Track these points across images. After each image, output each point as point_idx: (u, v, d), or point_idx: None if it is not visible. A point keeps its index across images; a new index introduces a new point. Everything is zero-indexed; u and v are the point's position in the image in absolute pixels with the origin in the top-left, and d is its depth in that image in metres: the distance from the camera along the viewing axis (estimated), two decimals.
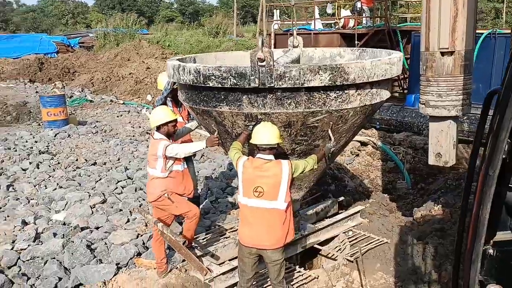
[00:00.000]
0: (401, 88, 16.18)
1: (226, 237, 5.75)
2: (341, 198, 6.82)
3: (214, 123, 4.66)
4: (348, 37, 15.94)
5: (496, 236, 2.08)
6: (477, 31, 8.34)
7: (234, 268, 4.87)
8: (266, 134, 4.09)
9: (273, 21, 18.73)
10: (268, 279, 4.58)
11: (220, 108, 4.34)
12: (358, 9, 16.75)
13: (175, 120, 5.06)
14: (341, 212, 6.40)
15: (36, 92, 19.09)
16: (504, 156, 1.88)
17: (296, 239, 5.46)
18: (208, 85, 4.18)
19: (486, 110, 1.99)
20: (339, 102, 4.20)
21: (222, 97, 4.28)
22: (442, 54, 4.67)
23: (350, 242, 5.69)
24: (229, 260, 5.19)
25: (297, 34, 6.24)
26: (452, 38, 4.57)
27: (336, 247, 5.70)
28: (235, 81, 4.03)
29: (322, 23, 18.68)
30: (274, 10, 19.57)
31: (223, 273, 4.79)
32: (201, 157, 9.81)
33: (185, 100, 4.88)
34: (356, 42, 15.19)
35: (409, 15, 21.17)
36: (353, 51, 5.99)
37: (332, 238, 5.87)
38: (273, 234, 4.07)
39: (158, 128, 4.99)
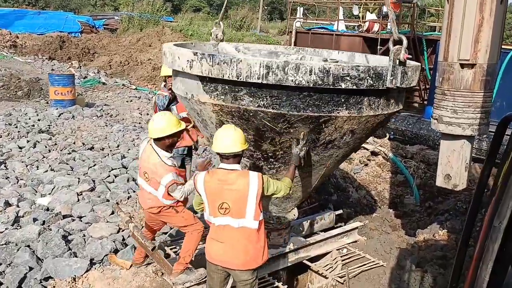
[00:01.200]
0: (421, 99, 15.58)
1: None
2: (339, 211, 6.36)
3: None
4: (371, 41, 15.37)
5: None
6: (504, 47, 7.77)
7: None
8: (228, 139, 3.52)
9: (295, 18, 18.20)
10: None
11: (338, 113, 3.70)
12: (384, 13, 16.15)
13: (182, 131, 4.39)
14: (338, 227, 5.95)
15: (52, 69, 19.01)
16: None
17: (284, 252, 5.06)
18: (339, 86, 3.51)
19: (498, 139, 1.55)
20: None
21: (342, 100, 3.68)
22: (462, 66, 4.17)
23: (342, 260, 5.25)
24: None
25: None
26: (474, 50, 4.07)
27: (327, 265, 5.27)
28: (371, 82, 3.59)
29: (346, 25, 18.10)
30: (298, 7, 19.03)
31: (197, 284, 4.39)
32: (203, 151, 9.44)
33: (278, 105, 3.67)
34: (378, 47, 14.63)
35: (438, 24, 20.43)
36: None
37: (324, 255, 5.43)
38: (243, 255, 3.59)
39: (159, 139, 4.20)
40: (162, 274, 4.89)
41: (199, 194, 3.69)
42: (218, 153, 3.62)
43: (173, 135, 4.19)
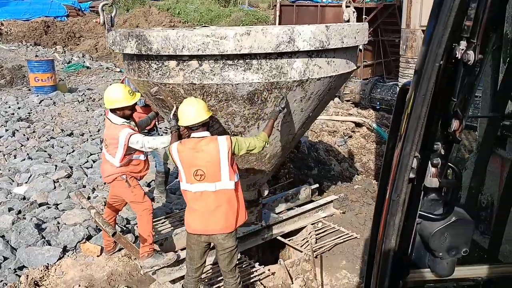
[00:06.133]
0: None
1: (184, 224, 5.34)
2: (316, 185, 6.32)
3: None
4: (356, 11, 15.10)
5: (409, 275, 1.59)
6: None
7: (181, 260, 4.46)
8: (192, 111, 3.61)
9: None
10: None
11: None
12: None
13: (135, 104, 4.38)
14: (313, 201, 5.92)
15: (36, 55, 18.73)
16: (412, 176, 1.38)
17: (257, 229, 5.04)
18: None
19: (399, 110, 1.47)
20: None
21: None
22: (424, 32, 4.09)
23: (317, 235, 5.23)
24: (181, 250, 4.78)
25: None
26: None
27: (304, 239, 5.25)
28: None
29: None
30: None
31: (168, 266, 4.38)
32: None
33: None
34: (364, 16, 14.36)
35: None
36: None
37: (299, 230, 5.41)
38: (222, 217, 3.69)
39: (113, 110, 4.31)
40: (135, 258, 4.88)
41: (175, 164, 3.77)
42: (187, 127, 3.68)
43: (126, 107, 4.28)
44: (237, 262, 3.94)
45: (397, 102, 1.50)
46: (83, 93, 12.35)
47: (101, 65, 17.45)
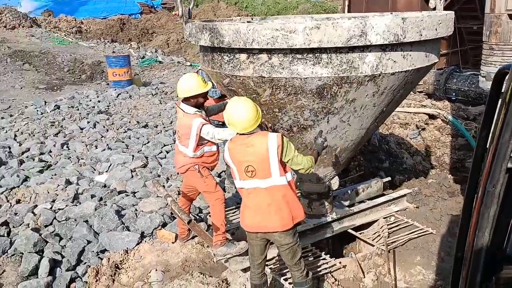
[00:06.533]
0: None
1: None
2: (388, 179, 6.15)
3: None
4: None
5: (503, 271, 1.50)
6: None
7: None
8: (243, 120, 3.52)
9: None
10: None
11: None
12: None
13: (207, 92, 4.50)
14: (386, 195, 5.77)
15: (113, 52, 19.70)
16: (510, 165, 1.30)
17: (328, 222, 5.00)
18: None
19: (494, 98, 1.38)
20: None
21: None
22: (511, 17, 3.82)
23: (389, 229, 5.10)
24: None
25: None
26: None
27: (375, 233, 5.14)
28: None
29: None
30: None
31: (240, 255, 4.46)
32: None
33: None
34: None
35: None
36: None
37: (370, 224, 5.30)
38: (276, 215, 3.60)
39: (186, 99, 4.40)
40: (208, 246, 5.03)
41: (227, 164, 3.76)
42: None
43: (199, 95, 4.35)
44: (302, 255, 3.88)
45: (492, 87, 1.42)
46: (156, 87, 12.84)
47: (172, 60, 18.04)
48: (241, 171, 3.64)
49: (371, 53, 3.55)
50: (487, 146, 1.40)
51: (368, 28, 3.38)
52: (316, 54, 3.52)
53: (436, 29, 3.67)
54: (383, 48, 3.56)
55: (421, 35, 3.55)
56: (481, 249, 1.41)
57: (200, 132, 4.31)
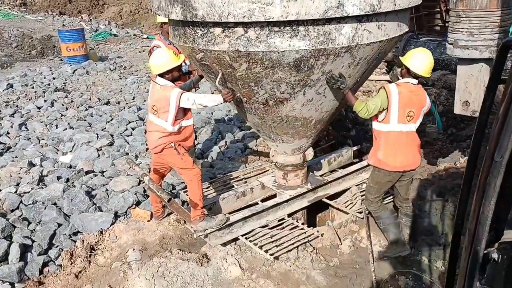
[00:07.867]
0: (442, 21, 14.84)
1: (229, 188, 5.41)
2: (357, 147, 6.28)
3: None
4: None
5: (504, 236, 1.57)
6: None
7: (231, 223, 4.55)
8: (429, 64, 4.08)
9: None
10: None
11: None
12: None
13: (181, 65, 4.45)
14: (357, 162, 5.90)
15: (63, 25, 18.84)
16: None
17: (303, 192, 5.07)
18: None
19: (499, 67, 1.41)
20: None
21: None
22: None
23: (362, 196, 5.23)
24: (229, 213, 4.87)
25: None
26: None
27: (348, 201, 5.26)
28: None
29: None
30: None
31: (219, 229, 4.47)
32: None
33: None
34: None
35: None
36: None
37: (344, 191, 5.42)
38: (418, 154, 4.29)
39: (161, 75, 4.34)
40: (185, 222, 5.00)
41: (388, 104, 4.02)
42: (408, 70, 4.04)
43: (173, 69, 4.33)
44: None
45: (497, 57, 1.44)
46: (114, 61, 12.42)
47: (127, 33, 17.45)
48: (403, 115, 4.03)
49: (348, 24, 3.54)
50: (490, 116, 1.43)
51: None
52: (294, 27, 3.48)
53: None
54: (359, 19, 3.56)
55: (395, 4, 3.57)
56: (487, 218, 1.46)
57: (179, 102, 4.24)
